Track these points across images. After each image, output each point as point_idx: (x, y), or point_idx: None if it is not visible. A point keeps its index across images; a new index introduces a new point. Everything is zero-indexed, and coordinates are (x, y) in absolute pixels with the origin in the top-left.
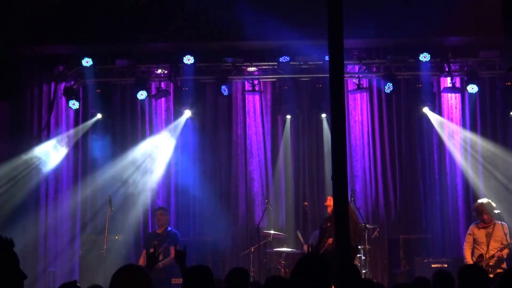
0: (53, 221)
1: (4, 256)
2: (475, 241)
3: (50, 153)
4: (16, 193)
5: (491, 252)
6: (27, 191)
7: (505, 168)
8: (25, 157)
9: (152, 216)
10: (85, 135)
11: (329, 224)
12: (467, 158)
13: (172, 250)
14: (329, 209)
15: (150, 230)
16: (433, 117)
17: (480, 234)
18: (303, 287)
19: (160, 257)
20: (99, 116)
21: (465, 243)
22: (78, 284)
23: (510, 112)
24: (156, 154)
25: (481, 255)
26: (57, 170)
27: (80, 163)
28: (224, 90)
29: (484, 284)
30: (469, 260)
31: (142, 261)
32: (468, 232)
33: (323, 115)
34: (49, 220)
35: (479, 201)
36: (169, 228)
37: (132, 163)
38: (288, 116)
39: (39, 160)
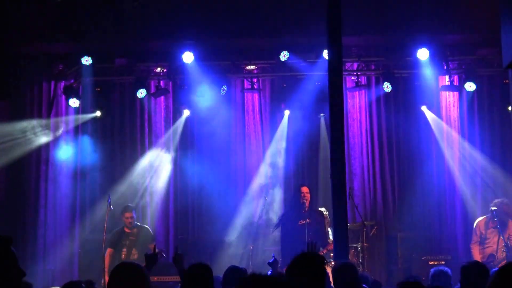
0: (52, 219)
1: (3, 253)
2: (483, 239)
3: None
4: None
5: (501, 249)
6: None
7: (503, 165)
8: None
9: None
10: (84, 133)
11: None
12: (465, 157)
13: (151, 247)
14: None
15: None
16: (431, 117)
17: (488, 232)
18: (300, 285)
19: (136, 256)
20: (98, 113)
21: (472, 241)
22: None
23: (507, 109)
24: (155, 153)
25: (492, 255)
26: (56, 168)
27: (79, 161)
28: (223, 90)
29: (486, 281)
30: (477, 258)
31: (108, 260)
32: (475, 229)
33: (321, 114)
34: (48, 218)
35: (503, 200)
36: (137, 224)
37: (131, 162)
38: (287, 112)
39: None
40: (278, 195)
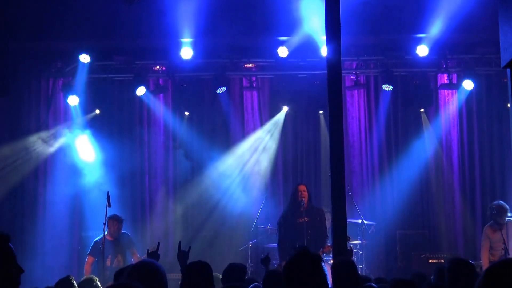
0: (51, 216)
1: (1, 250)
2: (492, 243)
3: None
4: (13, 177)
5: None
6: (23, 176)
7: (501, 163)
8: (25, 142)
9: (110, 221)
10: (83, 130)
11: (306, 219)
12: (464, 155)
13: (134, 255)
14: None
15: (148, 227)
16: (427, 121)
17: (496, 236)
18: (298, 283)
19: (122, 262)
20: (97, 111)
21: (482, 247)
22: (74, 281)
23: (506, 108)
24: (154, 151)
25: (503, 257)
26: (54, 164)
27: (78, 158)
28: (221, 90)
29: (472, 279)
30: (487, 265)
31: (88, 268)
32: (484, 235)
33: (321, 112)
34: (47, 215)
35: (501, 202)
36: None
37: (129, 159)
38: (285, 108)
39: (38, 146)
40: (277, 191)
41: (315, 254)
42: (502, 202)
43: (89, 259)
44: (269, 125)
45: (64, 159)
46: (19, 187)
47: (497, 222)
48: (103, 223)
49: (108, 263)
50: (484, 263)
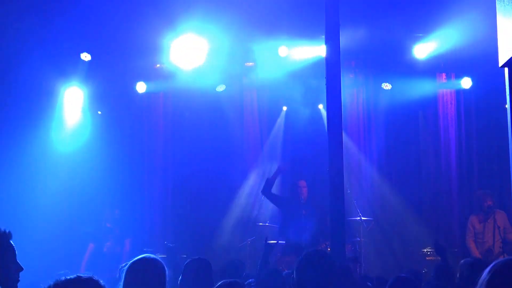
0: (50, 213)
1: (2, 247)
2: (478, 234)
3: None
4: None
5: (498, 244)
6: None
7: (499, 161)
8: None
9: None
10: (83, 128)
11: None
12: (462, 153)
13: (127, 243)
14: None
15: (147, 225)
16: (427, 118)
17: (482, 226)
18: (309, 281)
19: (118, 249)
20: (99, 113)
21: (467, 237)
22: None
23: (504, 107)
24: (154, 149)
25: (489, 250)
26: (53, 162)
27: (78, 155)
28: (221, 89)
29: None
30: (476, 254)
31: (87, 255)
32: (468, 225)
33: (320, 106)
34: (46, 212)
35: (481, 190)
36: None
37: (129, 157)
38: (285, 108)
39: None
40: (276, 189)
41: (326, 252)
42: (481, 190)
43: (90, 246)
44: (271, 137)
45: (62, 156)
46: (19, 184)
47: (481, 210)
48: (103, 220)
49: (105, 249)
50: (472, 251)
